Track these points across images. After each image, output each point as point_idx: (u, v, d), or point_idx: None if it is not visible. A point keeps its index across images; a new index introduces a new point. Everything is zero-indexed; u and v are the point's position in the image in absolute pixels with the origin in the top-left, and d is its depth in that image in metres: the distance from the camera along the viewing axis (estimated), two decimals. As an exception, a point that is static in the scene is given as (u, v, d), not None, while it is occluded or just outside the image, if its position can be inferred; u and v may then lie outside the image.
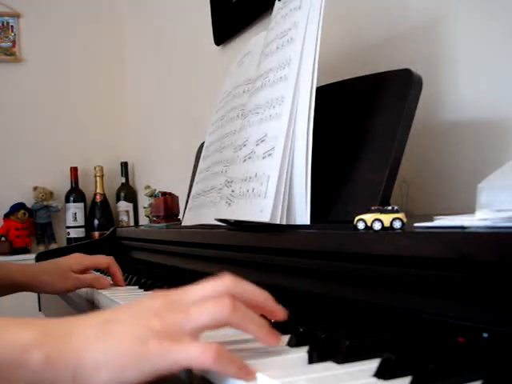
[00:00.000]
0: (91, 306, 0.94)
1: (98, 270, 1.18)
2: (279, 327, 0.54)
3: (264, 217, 0.71)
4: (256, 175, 0.75)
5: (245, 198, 0.77)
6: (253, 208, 0.74)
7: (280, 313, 0.50)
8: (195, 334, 0.44)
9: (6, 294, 1.00)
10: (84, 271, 1.04)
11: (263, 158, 0.75)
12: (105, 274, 1.15)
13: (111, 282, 1.02)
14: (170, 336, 0.43)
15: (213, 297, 0.46)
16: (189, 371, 0.46)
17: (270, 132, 0.76)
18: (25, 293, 1.01)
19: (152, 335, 0.42)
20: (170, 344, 0.42)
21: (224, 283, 0.47)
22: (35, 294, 1.44)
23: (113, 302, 0.80)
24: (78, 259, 1.04)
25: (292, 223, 0.71)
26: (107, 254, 1.13)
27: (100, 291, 0.93)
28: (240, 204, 0.78)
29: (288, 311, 0.58)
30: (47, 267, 1.01)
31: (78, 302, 1.04)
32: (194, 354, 0.41)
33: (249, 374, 0.42)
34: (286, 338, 0.52)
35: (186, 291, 0.48)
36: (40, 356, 0.42)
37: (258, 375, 0.42)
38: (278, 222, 0.70)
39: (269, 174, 0.73)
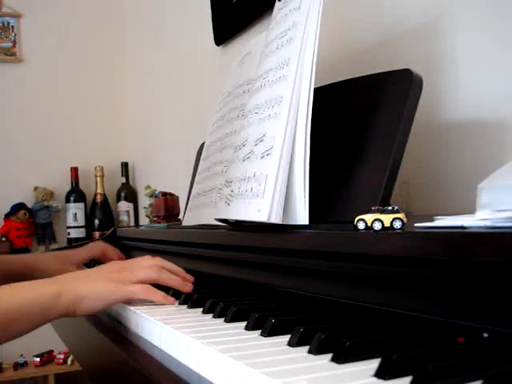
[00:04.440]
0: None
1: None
2: (279, 326, 0.54)
3: (262, 216, 0.71)
4: (254, 175, 0.75)
5: (243, 197, 0.77)
6: (251, 208, 0.74)
7: (190, 279, 0.83)
8: (137, 283, 0.76)
9: None
10: (81, 264, 1.14)
11: (262, 157, 0.75)
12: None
13: None
14: (122, 282, 0.76)
15: (148, 265, 0.80)
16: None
17: (268, 132, 0.76)
18: None
19: (112, 281, 0.75)
20: (122, 285, 0.75)
21: (155, 259, 0.82)
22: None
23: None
24: (75, 252, 1.13)
25: (290, 223, 0.71)
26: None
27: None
28: (239, 204, 0.78)
29: (289, 311, 0.58)
30: (45, 257, 1.07)
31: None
32: (136, 290, 0.75)
33: (169, 300, 0.76)
34: (286, 338, 0.52)
35: (132, 262, 0.82)
36: (64, 300, 0.73)
37: (258, 375, 0.42)
38: (275, 222, 0.70)
39: (267, 174, 0.73)
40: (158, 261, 0.82)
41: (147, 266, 0.80)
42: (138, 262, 0.81)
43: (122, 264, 0.83)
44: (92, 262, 1.27)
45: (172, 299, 0.77)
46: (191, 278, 0.83)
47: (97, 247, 1.21)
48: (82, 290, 0.74)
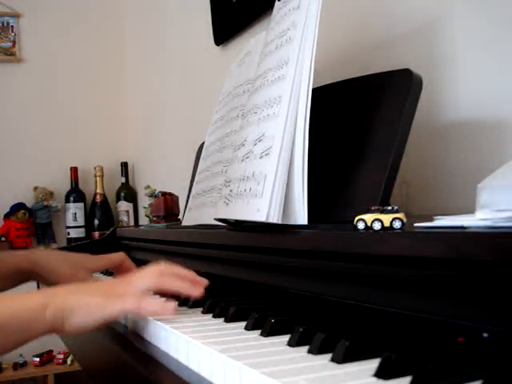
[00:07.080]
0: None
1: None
2: (279, 326, 0.54)
3: (260, 216, 0.70)
4: (253, 175, 0.75)
5: (242, 197, 0.77)
6: (250, 207, 0.74)
7: (202, 282, 0.73)
8: (137, 294, 0.67)
9: (13, 286, 0.98)
10: (95, 272, 1.03)
11: (260, 157, 0.75)
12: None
13: None
14: (116, 296, 0.67)
15: (148, 273, 0.72)
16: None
17: (267, 132, 0.76)
18: None
19: (105, 294, 0.68)
20: (115, 298, 0.67)
21: (158, 267, 0.73)
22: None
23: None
24: (92, 258, 1.02)
25: (289, 223, 0.71)
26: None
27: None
28: (237, 203, 0.78)
29: (288, 311, 0.58)
30: (55, 257, 0.99)
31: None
32: (127, 302, 0.66)
33: (166, 309, 0.65)
34: (286, 338, 0.52)
35: (131, 275, 0.75)
36: (50, 313, 0.65)
37: (258, 375, 0.42)
38: (274, 222, 0.70)
39: (266, 174, 0.72)
40: (163, 266, 0.73)
41: (146, 274, 0.72)
42: (139, 272, 0.73)
43: (121, 278, 0.75)
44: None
45: (171, 307, 0.66)
46: (203, 282, 0.73)
47: (117, 257, 1.05)
48: (70, 304, 0.66)
